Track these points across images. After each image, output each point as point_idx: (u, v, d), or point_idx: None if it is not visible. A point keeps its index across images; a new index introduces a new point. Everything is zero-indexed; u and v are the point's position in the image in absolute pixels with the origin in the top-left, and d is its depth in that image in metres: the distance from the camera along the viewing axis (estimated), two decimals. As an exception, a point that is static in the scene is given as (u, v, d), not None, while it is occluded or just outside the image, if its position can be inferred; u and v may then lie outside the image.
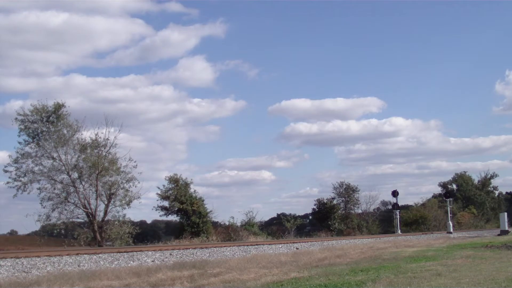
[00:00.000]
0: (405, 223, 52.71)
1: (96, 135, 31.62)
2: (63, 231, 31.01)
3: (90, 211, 30.76)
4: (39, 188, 30.32)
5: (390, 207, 52.57)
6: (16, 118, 30.31)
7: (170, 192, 39.53)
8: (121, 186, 32.04)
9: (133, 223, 32.87)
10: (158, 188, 40.10)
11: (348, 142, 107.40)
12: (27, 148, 30.43)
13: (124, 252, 17.81)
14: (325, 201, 53.08)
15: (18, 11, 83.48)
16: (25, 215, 30.42)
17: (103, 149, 31.76)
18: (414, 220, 55.13)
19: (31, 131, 30.45)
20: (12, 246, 32.23)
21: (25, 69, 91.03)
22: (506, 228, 37.93)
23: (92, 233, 30.68)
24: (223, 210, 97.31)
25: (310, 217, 64.95)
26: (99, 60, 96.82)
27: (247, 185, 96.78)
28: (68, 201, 30.83)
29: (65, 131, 31.10)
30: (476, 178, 75.75)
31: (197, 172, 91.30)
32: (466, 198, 70.82)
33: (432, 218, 55.69)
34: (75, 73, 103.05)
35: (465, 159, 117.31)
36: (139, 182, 32.31)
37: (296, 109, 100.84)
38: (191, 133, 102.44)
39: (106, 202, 31.44)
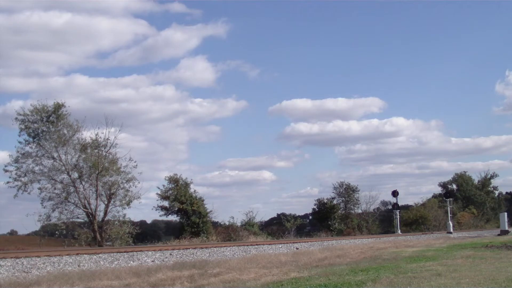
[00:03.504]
0: (405, 223, 52.72)
1: (96, 135, 31.69)
2: (63, 231, 31.01)
3: (90, 211, 30.76)
4: (39, 188, 30.39)
5: (390, 207, 52.60)
6: (16, 118, 30.41)
7: (170, 192, 39.55)
8: (121, 186, 32.08)
9: (133, 223, 32.90)
10: (158, 188, 40.20)
11: (348, 142, 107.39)
12: (27, 148, 30.53)
13: (124, 252, 17.80)
14: (325, 201, 53.13)
15: (21, 11, 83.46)
16: (26, 215, 30.52)
17: (103, 149, 31.81)
18: (414, 220, 55.16)
19: (31, 131, 30.48)
20: (12, 246, 32.24)
21: (27, 69, 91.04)
22: (506, 228, 37.94)
23: (92, 233, 30.68)
24: (224, 210, 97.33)
25: (310, 217, 64.97)
26: (101, 60, 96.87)
27: (248, 185, 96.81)
28: (68, 201, 30.87)
29: (65, 131, 31.14)
30: (476, 178, 75.90)
31: (198, 172, 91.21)
32: (466, 198, 70.83)
33: (432, 218, 55.71)
34: (77, 73, 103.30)
35: (465, 159, 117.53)
36: (139, 182, 32.40)
37: (296, 109, 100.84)
38: (192, 133, 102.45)
39: (106, 202, 31.47)
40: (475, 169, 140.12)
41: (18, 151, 30.31)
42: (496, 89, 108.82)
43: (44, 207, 30.34)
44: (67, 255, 16.16)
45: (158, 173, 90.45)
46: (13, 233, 53.78)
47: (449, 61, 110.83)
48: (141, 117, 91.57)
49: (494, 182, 76.80)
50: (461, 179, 74.29)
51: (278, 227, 47.93)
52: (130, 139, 73.25)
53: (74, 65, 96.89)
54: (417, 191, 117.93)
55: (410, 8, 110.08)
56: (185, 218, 39.23)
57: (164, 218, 44.67)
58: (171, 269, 13.62)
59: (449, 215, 47.12)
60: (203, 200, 40.63)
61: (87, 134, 31.78)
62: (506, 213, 40.72)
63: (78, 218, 31.61)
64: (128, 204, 31.89)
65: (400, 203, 49.52)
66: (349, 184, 55.46)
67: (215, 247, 21.44)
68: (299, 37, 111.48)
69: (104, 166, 31.15)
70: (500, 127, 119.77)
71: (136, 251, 18.17)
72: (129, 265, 15.72)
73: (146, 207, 77.51)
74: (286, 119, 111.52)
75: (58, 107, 30.93)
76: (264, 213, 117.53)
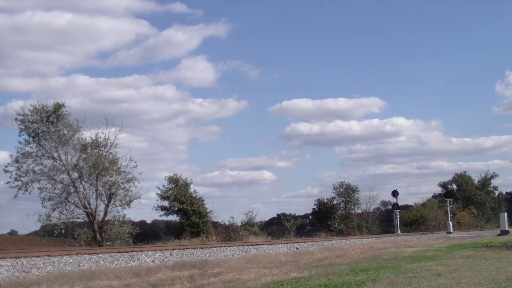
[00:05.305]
0: (405, 223, 52.72)
1: (96, 135, 31.68)
2: (63, 231, 31.02)
3: (90, 211, 30.76)
4: (39, 188, 30.38)
5: (390, 207, 52.60)
6: (16, 118, 30.38)
7: (170, 192, 39.53)
8: (121, 186, 32.07)
9: (133, 223, 32.90)
10: (158, 188, 40.16)
11: (349, 142, 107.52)
12: (27, 148, 30.51)
13: (124, 252, 17.80)
14: (325, 201, 53.06)
15: (22, 12, 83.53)
16: (26, 215, 30.51)
17: (103, 149, 31.78)
18: (414, 220, 55.16)
19: (31, 131, 30.47)
20: (12, 246, 32.28)
21: (28, 70, 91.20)
22: (506, 228, 37.94)
23: (92, 233, 30.69)
24: (224, 210, 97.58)
25: (310, 217, 64.92)
26: (102, 61, 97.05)
27: (248, 185, 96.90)
28: (69, 201, 30.86)
29: (65, 131, 31.11)
30: (476, 178, 75.90)
31: (198, 172, 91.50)
32: (466, 198, 70.84)
33: (432, 218, 55.73)
34: (78, 73, 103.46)
35: (466, 159, 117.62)
36: (139, 182, 32.40)
37: (297, 109, 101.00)
38: (192, 133, 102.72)
39: (106, 202, 31.46)
40: (475, 169, 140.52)
41: (18, 151, 30.35)
42: (496, 89, 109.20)
43: (44, 207, 30.38)
44: (67, 255, 16.16)
45: (158, 173, 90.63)
46: (13, 233, 53.81)
47: (449, 61, 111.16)
48: (141, 117, 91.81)
49: (494, 182, 76.98)
50: (461, 179, 74.30)
51: (278, 227, 47.91)
52: (131, 139, 73.49)
53: (75, 65, 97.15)
54: (417, 191, 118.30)
55: (410, 7, 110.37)
56: (185, 218, 39.21)
57: (164, 218, 44.68)
58: (171, 269, 13.62)
59: (449, 215, 47.13)
60: (203, 200, 40.66)
61: (87, 134, 31.83)
62: (506, 213, 40.70)
63: (78, 218, 31.67)
64: (128, 204, 31.91)
65: (400, 203, 49.62)
66: (349, 184, 55.46)
67: (215, 247, 21.44)
68: (299, 37, 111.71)
69: (104, 166, 31.15)
70: (500, 127, 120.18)
71: (136, 251, 18.17)
72: (129, 265, 15.72)
73: (146, 207, 77.51)
74: (287, 119, 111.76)
75: (58, 107, 30.92)
76: (264, 213, 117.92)
